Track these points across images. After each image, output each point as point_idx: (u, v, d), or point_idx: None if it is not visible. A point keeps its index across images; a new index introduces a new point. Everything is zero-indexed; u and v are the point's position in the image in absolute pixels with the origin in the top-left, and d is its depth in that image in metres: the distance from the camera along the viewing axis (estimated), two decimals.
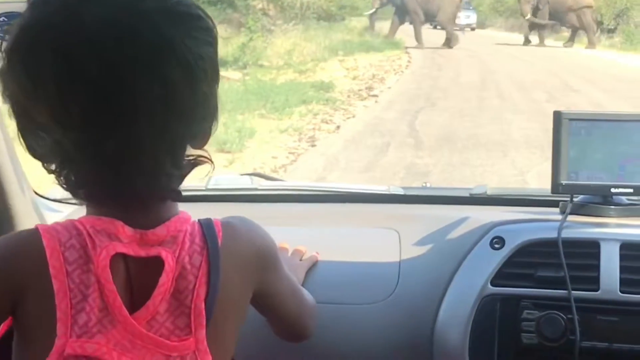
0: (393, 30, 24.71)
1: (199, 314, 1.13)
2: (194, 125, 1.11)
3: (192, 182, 1.85)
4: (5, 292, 1.09)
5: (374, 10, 25.34)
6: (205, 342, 1.15)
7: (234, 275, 1.18)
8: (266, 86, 13.10)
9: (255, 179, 2.22)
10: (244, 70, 14.94)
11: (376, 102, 12.69)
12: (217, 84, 1.13)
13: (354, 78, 15.57)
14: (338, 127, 10.21)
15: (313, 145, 8.89)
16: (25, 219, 1.81)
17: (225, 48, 16.52)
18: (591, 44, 25.82)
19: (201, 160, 1.15)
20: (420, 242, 1.86)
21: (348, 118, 10.97)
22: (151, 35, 1.04)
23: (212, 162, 1.16)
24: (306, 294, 1.50)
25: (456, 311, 1.66)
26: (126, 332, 1.10)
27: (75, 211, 2.08)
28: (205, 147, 1.16)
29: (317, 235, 1.97)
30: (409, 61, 19.73)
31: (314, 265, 1.77)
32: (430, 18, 25.90)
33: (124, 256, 1.11)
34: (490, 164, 7.71)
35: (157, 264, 1.12)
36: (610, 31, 29.33)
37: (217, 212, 1.30)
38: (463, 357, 1.63)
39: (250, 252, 1.24)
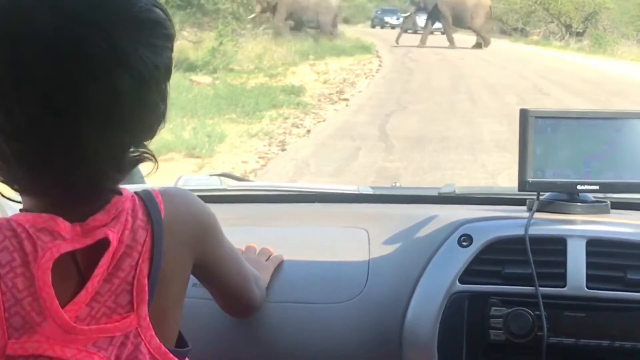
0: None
1: (141, 290, 1.13)
2: (141, 134, 1.10)
3: (162, 183, 1.85)
4: None
5: (255, 14, 24.83)
6: (147, 319, 1.14)
7: (175, 248, 1.18)
8: (236, 90, 13.13)
9: (224, 179, 2.22)
10: (214, 75, 14.88)
11: (347, 105, 12.78)
12: (168, 83, 1.12)
13: (325, 82, 15.64)
14: (308, 131, 10.23)
15: (283, 150, 8.91)
16: None
17: (196, 52, 16.48)
18: (486, 43, 26.29)
19: (144, 157, 1.13)
20: (389, 241, 1.86)
21: (319, 122, 10.99)
22: (102, 45, 1.02)
23: (155, 160, 1.15)
24: (249, 267, 1.50)
25: (425, 309, 1.67)
26: (65, 332, 1.09)
27: None
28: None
29: (286, 235, 1.97)
30: (379, 65, 19.86)
31: (282, 264, 1.77)
32: (305, 24, 25.81)
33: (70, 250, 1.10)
34: (461, 167, 7.75)
35: (103, 244, 1.11)
36: (579, 34, 29.65)
37: None
38: (432, 355, 1.63)
39: (190, 223, 1.23)
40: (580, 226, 1.74)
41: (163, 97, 1.11)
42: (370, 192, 2.22)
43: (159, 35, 1.08)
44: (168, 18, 1.10)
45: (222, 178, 2.21)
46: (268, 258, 1.75)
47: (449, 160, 8.15)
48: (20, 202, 2.07)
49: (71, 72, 1.01)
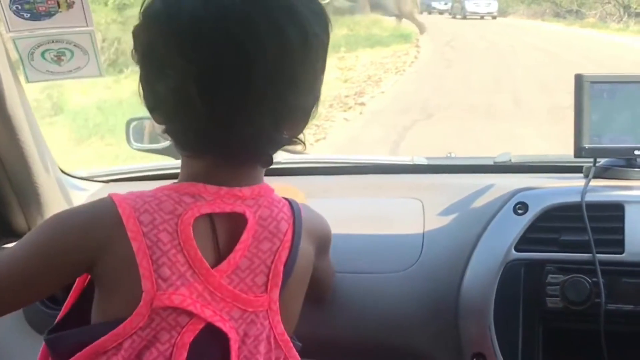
0: None
1: (276, 275, 1.21)
2: (299, 97, 1.18)
3: None
4: (80, 253, 1.16)
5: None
6: (277, 303, 1.22)
7: (307, 247, 1.28)
8: None
9: (279, 152, 2.23)
10: None
11: (361, 113, 10.78)
12: (323, 73, 1.24)
13: (346, 81, 13.68)
14: None
15: None
16: (50, 196, 1.83)
17: None
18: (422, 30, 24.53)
19: (295, 141, 1.22)
20: (444, 211, 1.86)
21: (317, 140, 8.88)
22: (280, 4, 1.14)
23: (304, 144, 1.23)
24: (334, 272, 1.60)
25: (480, 278, 1.66)
26: (207, 284, 1.16)
27: (101, 189, 2.11)
28: None
29: (340, 206, 1.98)
30: (415, 57, 17.60)
31: (338, 235, 1.78)
32: None
33: (209, 214, 1.18)
34: None
35: (241, 221, 1.20)
36: (639, 15, 28.46)
37: None
38: (488, 323, 1.62)
39: (319, 232, 1.34)
40: (639, 192, 1.71)
41: (320, 73, 1.22)
42: (425, 162, 2.21)
43: (320, 13, 1.19)
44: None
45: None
46: None
47: None
48: (80, 179, 2.13)
49: (254, 22, 1.11)
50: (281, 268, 1.21)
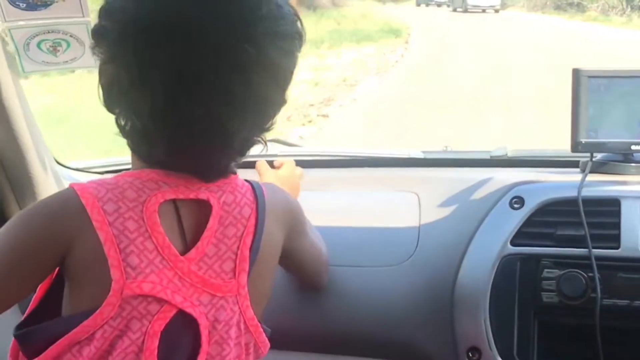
0: None
1: (243, 260, 1.22)
2: (265, 127, 1.21)
3: None
4: (51, 248, 1.15)
5: None
6: (246, 287, 1.23)
7: (273, 230, 1.29)
8: None
9: (275, 144, 2.23)
10: None
11: (320, 129, 9.02)
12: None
13: (317, 84, 12.13)
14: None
15: None
16: (45, 188, 1.83)
17: None
18: None
19: (256, 141, 1.23)
20: (440, 205, 1.86)
21: None
22: (251, 51, 1.12)
23: (265, 143, 1.24)
24: (324, 252, 1.59)
25: (476, 272, 1.66)
26: (177, 270, 1.17)
27: None
28: None
29: (337, 199, 1.98)
30: (402, 55, 16.17)
31: (333, 229, 1.78)
32: None
33: (173, 200, 1.19)
34: None
35: (205, 207, 1.21)
36: None
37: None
38: (483, 317, 1.62)
39: (285, 212, 1.34)
40: (635, 187, 1.71)
41: (287, 96, 1.23)
42: (421, 156, 2.21)
43: (297, 45, 1.21)
44: (303, 26, 1.22)
45: (273, 143, 2.22)
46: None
47: None
48: (76, 170, 2.12)
49: (247, 61, 1.12)
50: (247, 253, 1.22)
